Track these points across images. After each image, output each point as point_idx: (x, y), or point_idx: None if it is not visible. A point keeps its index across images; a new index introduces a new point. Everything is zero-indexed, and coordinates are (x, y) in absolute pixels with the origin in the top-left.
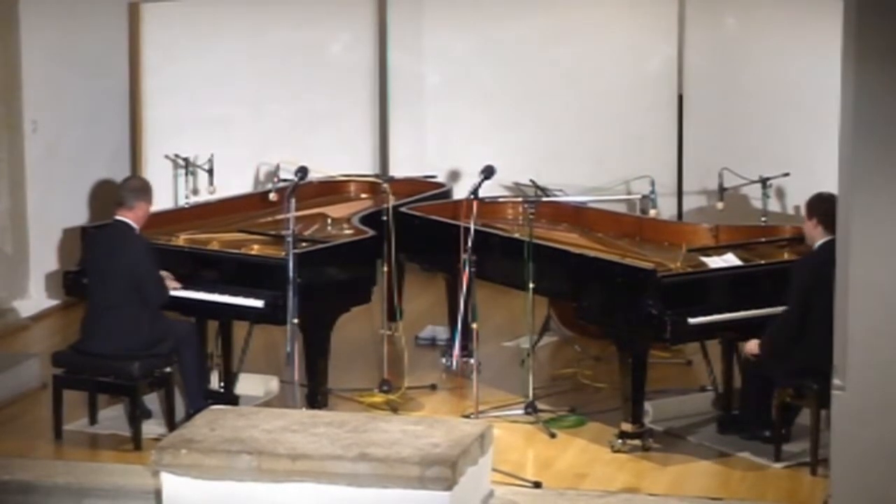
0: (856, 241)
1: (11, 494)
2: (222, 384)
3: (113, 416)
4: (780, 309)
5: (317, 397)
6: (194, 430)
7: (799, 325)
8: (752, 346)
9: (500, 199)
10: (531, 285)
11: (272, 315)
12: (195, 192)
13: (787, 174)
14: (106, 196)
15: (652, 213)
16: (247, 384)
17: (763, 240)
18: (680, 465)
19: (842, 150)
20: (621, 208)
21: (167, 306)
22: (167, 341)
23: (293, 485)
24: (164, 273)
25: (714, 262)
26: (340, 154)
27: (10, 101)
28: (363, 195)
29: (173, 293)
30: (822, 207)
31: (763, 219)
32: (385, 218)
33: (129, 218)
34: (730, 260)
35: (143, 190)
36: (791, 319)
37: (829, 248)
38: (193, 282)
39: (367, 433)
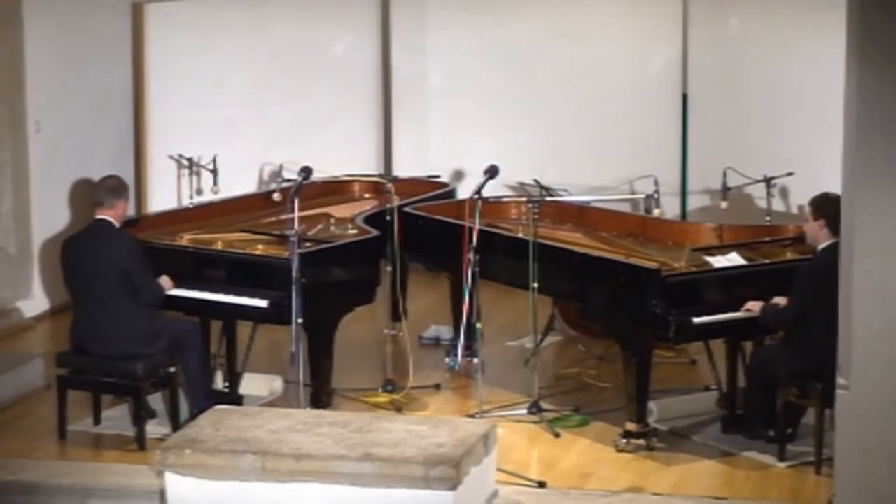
0: (860, 240)
1: (15, 495)
2: (226, 384)
3: (117, 416)
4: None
5: (321, 397)
6: (198, 430)
7: (796, 326)
8: (755, 305)
9: (504, 199)
10: (535, 285)
11: (276, 315)
12: (199, 192)
13: (790, 173)
14: None
15: (656, 212)
16: (251, 384)
17: (767, 239)
18: (684, 464)
19: (846, 149)
20: (625, 208)
21: (167, 305)
22: (163, 338)
23: (297, 485)
24: (162, 279)
25: (718, 261)
26: (344, 154)
27: (13, 101)
28: (367, 195)
29: (177, 292)
30: (830, 209)
31: (767, 218)
32: (389, 218)
33: (110, 216)
34: (734, 259)
35: (121, 188)
36: (788, 318)
37: (833, 251)
38: (197, 282)
39: (371, 433)
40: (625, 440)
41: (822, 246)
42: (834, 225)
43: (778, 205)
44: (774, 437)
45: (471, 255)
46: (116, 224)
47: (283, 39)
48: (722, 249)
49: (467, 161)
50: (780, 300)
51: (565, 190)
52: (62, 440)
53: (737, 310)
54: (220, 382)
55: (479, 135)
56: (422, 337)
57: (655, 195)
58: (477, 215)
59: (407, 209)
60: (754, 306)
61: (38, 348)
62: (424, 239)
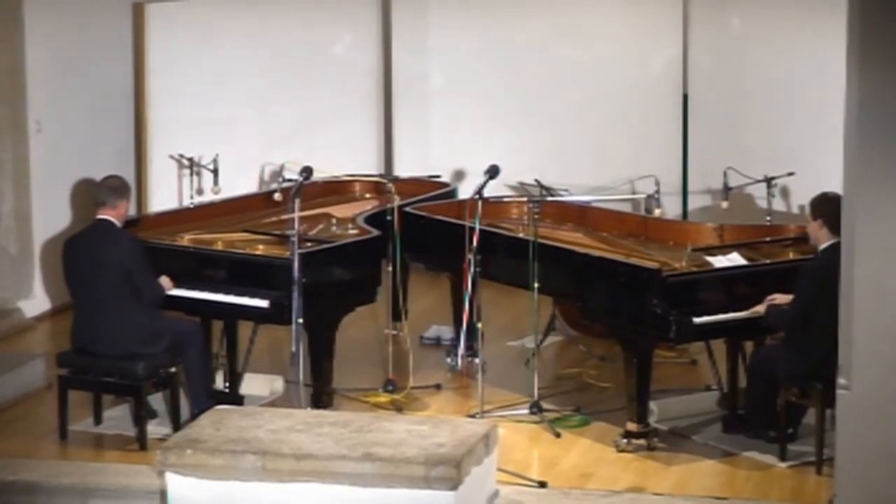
0: (861, 240)
1: (16, 495)
2: (227, 384)
3: (118, 416)
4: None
5: (322, 397)
6: (199, 430)
7: (799, 327)
8: (762, 307)
9: (505, 199)
10: (536, 285)
11: (277, 315)
12: (200, 192)
13: (791, 173)
14: None
15: (657, 212)
16: (252, 384)
17: (768, 239)
18: (685, 464)
19: (846, 149)
20: (626, 208)
21: (169, 305)
22: (164, 338)
23: (298, 485)
24: (162, 279)
25: (719, 261)
26: (345, 154)
27: (14, 101)
28: (368, 195)
29: (178, 292)
30: (827, 208)
31: (768, 218)
32: (390, 218)
33: (112, 216)
34: (734, 259)
35: (124, 188)
36: (789, 319)
37: (834, 251)
38: (198, 282)
39: (371, 433)
40: (625, 440)
41: (823, 246)
42: (832, 224)
43: (778, 205)
44: (775, 437)
45: (471, 257)
46: (118, 224)
47: (284, 39)
48: (723, 249)
49: (468, 161)
50: (780, 297)
51: (566, 190)
52: (63, 440)
53: (738, 309)
54: (220, 382)
55: (479, 135)
56: (422, 337)
57: (656, 195)
58: (478, 216)
59: (408, 209)
60: (762, 308)
61: (38, 348)
62: (425, 239)
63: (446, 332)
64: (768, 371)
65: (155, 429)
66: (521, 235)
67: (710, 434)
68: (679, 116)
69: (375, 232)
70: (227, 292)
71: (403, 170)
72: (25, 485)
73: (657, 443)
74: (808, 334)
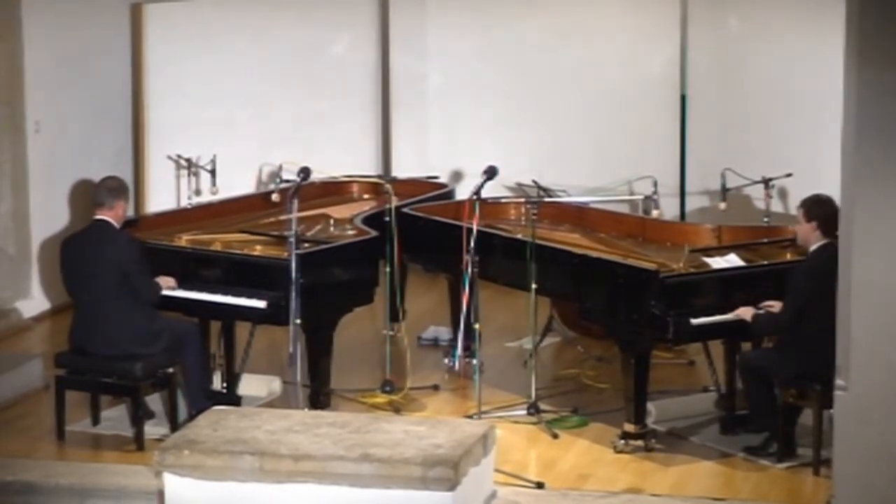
0: (858, 241)
1: (14, 495)
2: (225, 385)
3: (115, 417)
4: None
5: (319, 398)
6: (197, 430)
7: (791, 328)
8: (746, 311)
9: (503, 200)
10: (534, 286)
11: (275, 316)
12: (198, 192)
13: (789, 175)
14: None
15: (654, 213)
16: (249, 385)
17: (765, 240)
18: (682, 465)
19: (844, 150)
20: (624, 209)
21: (167, 306)
22: (162, 338)
23: (296, 485)
24: (163, 279)
25: (716, 262)
26: (343, 155)
27: (13, 101)
28: (366, 196)
29: (175, 293)
30: (822, 211)
31: (765, 219)
32: (388, 219)
33: (110, 217)
34: (732, 260)
35: (122, 189)
36: (784, 321)
37: (825, 251)
38: (196, 282)
39: (369, 434)
40: (623, 441)
41: (813, 247)
42: (826, 226)
43: (776, 206)
44: (758, 448)
45: (469, 258)
46: (116, 225)
47: (283, 40)
48: (720, 250)
49: (466, 162)
50: (772, 304)
51: (564, 191)
52: (61, 440)
53: (735, 310)
54: (218, 383)
55: (478, 136)
56: (420, 338)
57: (654, 196)
58: (476, 216)
59: (406, 210)
60: (745, 313)
61: (36, 349)
62: (423, 240)
63: (444, 332)
64: (764, 374)
65: (152, 429)
66: (518, 236)
67: (707, 435)
68: (677, 117)
69: (373, 233)
70: (224, 293)
71: (402, 170)
72: (23, 485)
73: (655, 444)
74: (801, 335)
